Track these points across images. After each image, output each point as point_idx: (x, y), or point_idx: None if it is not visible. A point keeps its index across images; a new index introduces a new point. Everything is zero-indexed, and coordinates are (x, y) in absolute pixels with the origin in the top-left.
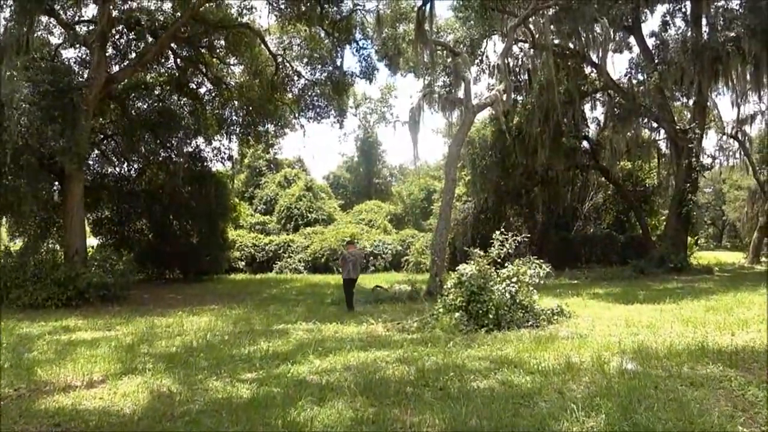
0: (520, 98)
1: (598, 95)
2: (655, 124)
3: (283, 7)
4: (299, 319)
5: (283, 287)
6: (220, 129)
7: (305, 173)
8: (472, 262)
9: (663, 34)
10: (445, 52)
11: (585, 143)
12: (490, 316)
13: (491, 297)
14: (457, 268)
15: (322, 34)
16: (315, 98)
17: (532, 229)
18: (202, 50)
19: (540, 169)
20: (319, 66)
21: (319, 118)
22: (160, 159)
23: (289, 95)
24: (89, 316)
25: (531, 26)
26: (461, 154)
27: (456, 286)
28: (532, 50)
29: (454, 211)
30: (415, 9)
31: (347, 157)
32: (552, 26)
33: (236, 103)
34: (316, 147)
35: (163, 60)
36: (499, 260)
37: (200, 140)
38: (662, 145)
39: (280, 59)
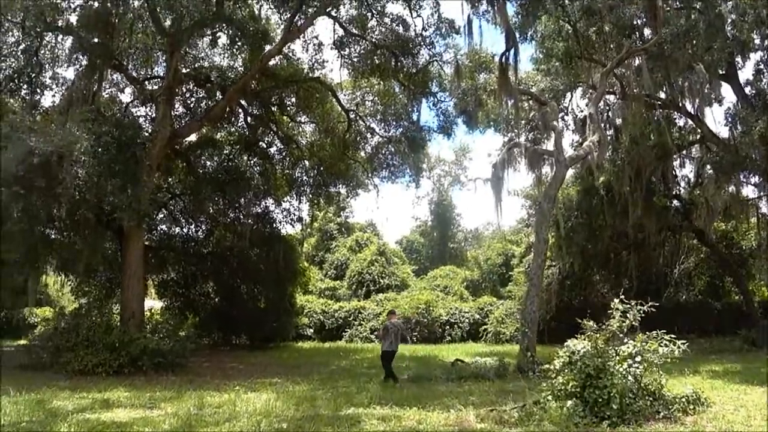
0: (607, 154)
1: (688, 150)
2: (756, 180)
3: (356, 60)
4: (372, 401)
5: (353, 358)
6: (290, 190)
7: (377, 237)
8: (584, 336)
9: (758, 83)
10: (527, 105)
11: (676, 202)
12: (614, 407)
13: (612, 381)
14: (566, 344)
15: (397, 89)
16: (389, 156)
17: (618, 296)
18: (273, 107)
19: (630, 231)
20: (394, 122)
21: (393, 177)
22: (228, 220)
23: (362, 153)
24: (137, 387)
25: (618, 76)
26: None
27: (566, 367)
28: (620, 101)
29: None
30: (496, 58)
31: (421, 221)
32: (643, 74)
33: (307, 162)
34: (388, 210)
35: (233, 119)
36: (622, 334)
37: (269, 201)
38: (764, 201)
39: (352, 115)
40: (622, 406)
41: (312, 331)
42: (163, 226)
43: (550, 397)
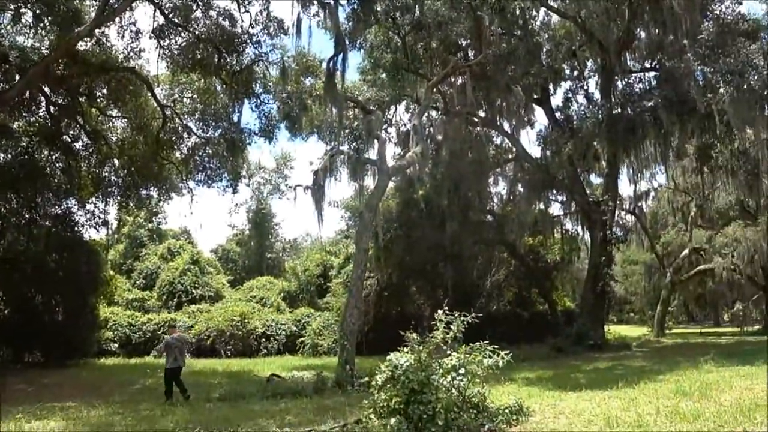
0: (426, 168)
1: (501, 169)
2: (562, 198)
3: (176, 52)
4: (178, 426)
5: (161, 376)
6: (96, 190)
7: (191, 245)
8: (407, 349)
9: (567, 110)
10: (353, 113)
11: (490, 217)
12: (439, 422)
13: (437, 396)
14: (388, 358)
15: (218, 87)
16: (206, 159)
17: (435, 307)
18: (80, 98)
19: (447, 243)
20: (213, 122)
21: (209, 181)
22: (23, 221)
23: (177, 154)
24: None
25: (442, 92)
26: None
27: (389, 382)
28: (442, 117)
29: None
30: (324, 64)
31: (238, 229)
32: (465, 93)
33: (116, 161)
34: (204, 217)
35: (33, 107)
36: (445, 346)
37: (72, 202)
38: (568, 219)
39: (168, 112)
40: (447, 422)
41: (117, 345)
42: None
43: (372, 416)
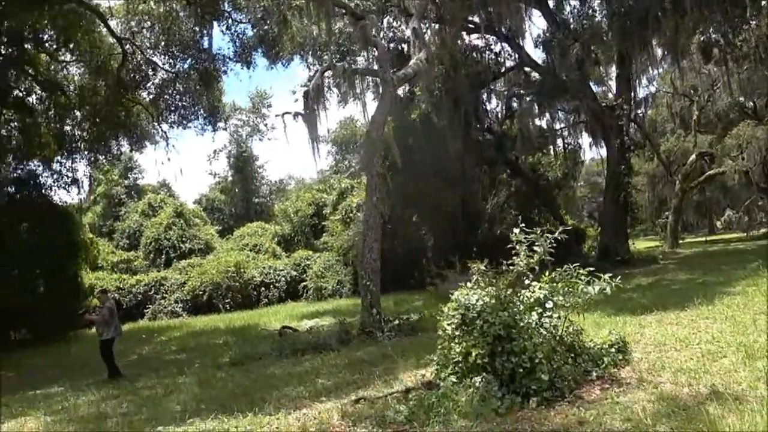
0: (416, 88)
1: (495, 83)
2: (568, 107)
3: None
4: (188, 407)
5: (159, 341)
6: (60, 147)
7: (173, 198)
8: (474, 283)
9: (561, 12)
10: (339, 26)
11: (489, 135)
12: (543, 377)
13: (532, 341)
14: (454, 296)
15: (181, 12)
16: (177, 96)
17: (438, 238)
18: (26, 44)
19: (449, 166)
20: (180, 53)
21: (184, 121)
22: None
23: (144, 95)
24: None
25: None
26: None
27: (460, 329)
28: (437, 25)
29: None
30: None
31: (220, 177)
32: None
33: (78, 112)
34: (182, 167)
35: None
36: (531, 275)
37: (35, 163)
38: (569, 132)
39: (128, 46)
40: (550, 376)
41: None
42: None
43: (453, 377)
